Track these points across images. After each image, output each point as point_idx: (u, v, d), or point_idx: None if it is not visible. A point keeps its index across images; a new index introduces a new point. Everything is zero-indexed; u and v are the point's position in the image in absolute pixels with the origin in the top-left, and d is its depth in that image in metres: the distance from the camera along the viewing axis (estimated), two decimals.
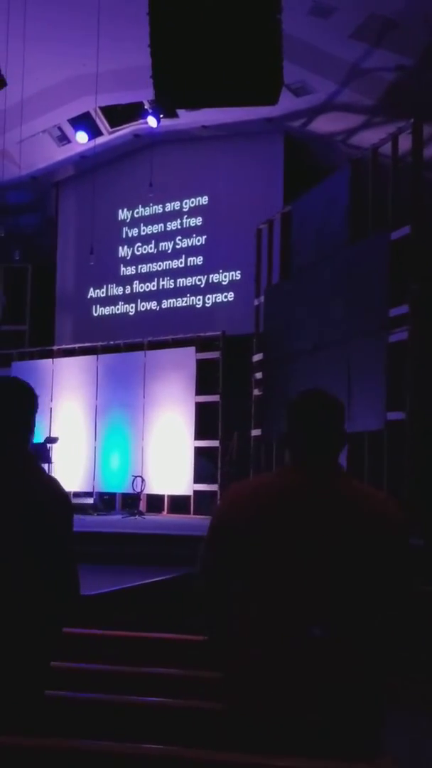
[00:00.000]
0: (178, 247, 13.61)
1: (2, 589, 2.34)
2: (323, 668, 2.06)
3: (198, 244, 13.41)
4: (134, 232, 14.13)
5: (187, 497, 11.84)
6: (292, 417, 2.30)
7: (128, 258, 14.16)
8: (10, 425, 2.51)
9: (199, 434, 11.90)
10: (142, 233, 14.03)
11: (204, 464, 11.97)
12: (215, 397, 11.77)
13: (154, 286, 13.82)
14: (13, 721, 2.26)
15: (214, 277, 13.16)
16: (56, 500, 2.45)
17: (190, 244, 13.48)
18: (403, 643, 2.20)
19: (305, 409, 2.30)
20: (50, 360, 13.59)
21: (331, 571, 2.11)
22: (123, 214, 14.24)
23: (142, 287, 13.95)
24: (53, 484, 2.49)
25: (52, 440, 12.21)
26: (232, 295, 12.95)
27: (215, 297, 13.12)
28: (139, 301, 13.97)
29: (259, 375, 11.32)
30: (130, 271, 14.11)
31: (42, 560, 2.38)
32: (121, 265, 14.20)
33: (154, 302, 13.77)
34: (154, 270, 13.84)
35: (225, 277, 13.05)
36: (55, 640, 2.46)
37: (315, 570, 2.11)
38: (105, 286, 14.33)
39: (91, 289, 14.49)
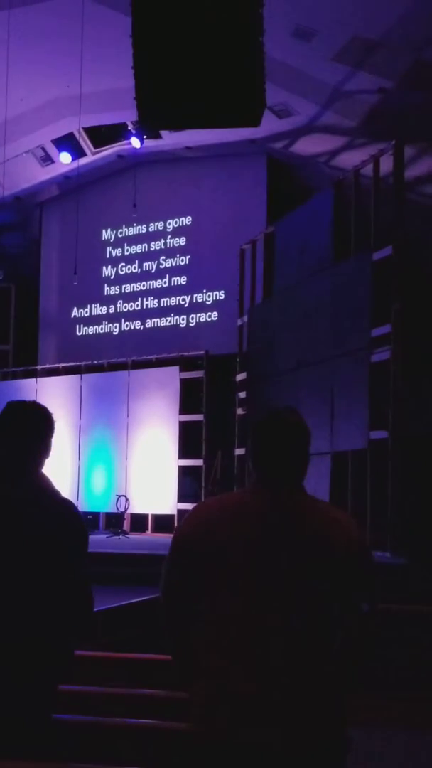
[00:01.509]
0: (161, 266, 13.64)
1: (19, 612, 2.34)
2: (286, 685, 2.05)
3: (182, 263, 13.44)
4: (118, 252, 14.15)
5: (171, 516, 11.78)
6: (254, 436, 2.32)
7: (112, 278, 14.17)
8: (27, 449, 2.52)
9: (183, 453, 11.87)
10: (126, 253, 14.05)
11: (188, 483, 11.94)
12: (199, 416, 11.77)
13: (137, 306, 13.83)
14: (21, 744, 2.26)
15: (198, 297, 13.19)
16: (71, 523, 2.47)
17: (173, 264, 13.52)
18: (367, 659, 2.21)
19: (267, 429, 2.30)
20: (34, 379, 13.55)
21: (293, 589, 2.11)
22: (107, 234, 14.26)
23: (125, 307, 13.95)
24: (68, 507, 2.50)
25: None
26: (216, 314, 12.97)
27: (199, 316, 13.15)
28: (122, 320, 13.97)
29: (242, 394, 11.34)
30: (113, 290, 14.12)
31: (57, 584, 2.38)
32: (105, 285, 14.20)
33: (138, 322, 13.77)
34: (137, 290, 13.85)
35: (209, 296, 13.08)
36: (67, 663, 2.46)
37: (277, 587, 2.11)
38: (89, 306, 14.33)
39: (75, 309, 14.48)
